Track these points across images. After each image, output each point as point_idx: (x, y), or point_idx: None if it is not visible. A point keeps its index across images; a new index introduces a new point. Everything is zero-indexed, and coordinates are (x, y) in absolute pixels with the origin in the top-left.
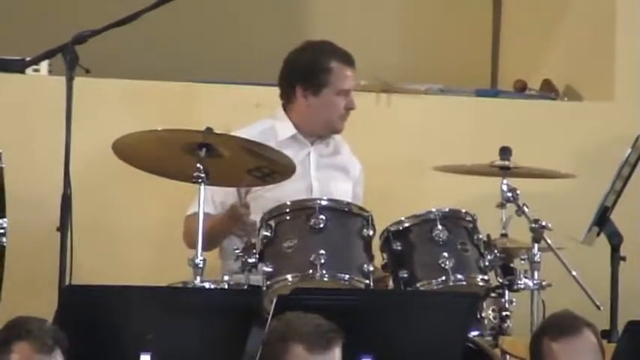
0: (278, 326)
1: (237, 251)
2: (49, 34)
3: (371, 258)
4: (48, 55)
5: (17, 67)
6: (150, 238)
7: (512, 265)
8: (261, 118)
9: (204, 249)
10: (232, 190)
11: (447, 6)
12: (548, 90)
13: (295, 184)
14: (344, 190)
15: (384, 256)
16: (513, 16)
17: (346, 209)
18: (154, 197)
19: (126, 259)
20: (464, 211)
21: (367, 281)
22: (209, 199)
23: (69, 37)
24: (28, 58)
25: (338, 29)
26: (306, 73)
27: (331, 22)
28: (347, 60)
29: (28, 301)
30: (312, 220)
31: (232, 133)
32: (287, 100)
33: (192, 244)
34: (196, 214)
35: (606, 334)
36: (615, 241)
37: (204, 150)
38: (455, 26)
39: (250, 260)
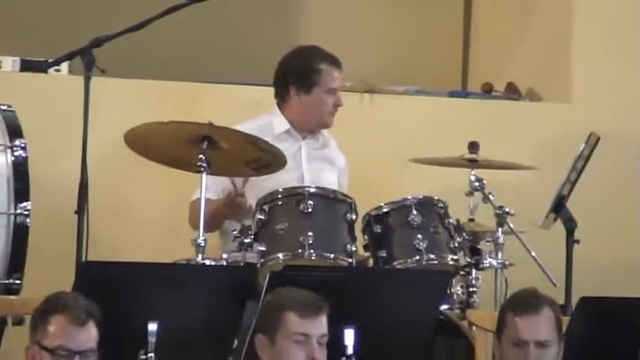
0: (273, 299)
1: (234, 232)
2: (69, 38)
3: (354, 239)
4: (68, 57)
5: (41, 67)
6: (158, 220)
7: (478, 246)
8: (260, 115)
9: (206, 231)
10: (227, 182)
11: (423, 17)
12: (511, 92)
13: (289, 174)
14: (331, 180)
15: (365, 237)
16: (481, 26)
17: (332, 196)
18: (161, 185)
19: (136, 240)
20: (436, 198)
21: (350, 260)
22: (211, 187)
23: (87, 41)
24: (50, 60)
25: (326, 37)
26: (299, 75)
27: (320, 30)
28: (334, 62)
29: (48, 275)
30: (302, 205)
31: (235, 127)
32: (281, 98)
33: (196, 227)
34: (199, 200)
35: (561, 309)
36: (570, 226)
37: (206, 142)
38: (430, 35)
39: (246, 240)
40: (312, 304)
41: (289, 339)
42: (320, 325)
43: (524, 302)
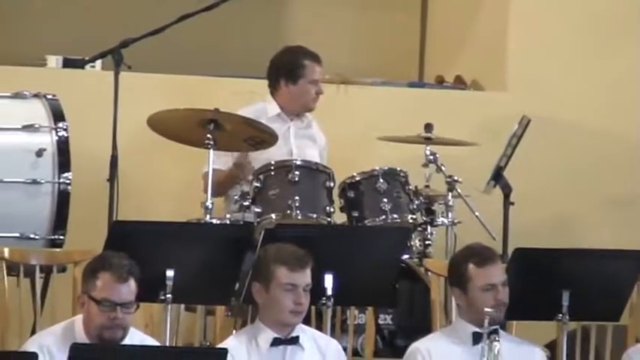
0: (267, 254)
1: (235, 197)
2: (102, 39)
3: (332, 202)
4: (101, 55)
5: (79, 64)
6: (174, 188)
7: (432, 208)
8: (255, 101)
9: (214, 195)
10: (236, 154)
11: (387, 22)
12: (459, 83)
13: (280, 150)
14: (314, 154)
15: (341, 201)
16: (434, 29)
17: (314, 167)
18: (177, 159)
19: (156, 203)
20: (398, 169)
21: (329, 219)
22: (221, 159)
23: (116, 42)
24: (86, 58)
25: (308, 38)
26: (287, 69)
27: (303, 32)
28: (316, 59)
29: (86, 232)
30: (290, 175)
31: (236, 112)
32: (273, 88)
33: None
34: (210, 172)
35: (501, 258)
36: (506, 191)
37: (212, 124)
38: (392, 36)
39: (245, 204)
40: (300, 260)
41: (280, 288)
42: (305, 277)
43: (484, 254)
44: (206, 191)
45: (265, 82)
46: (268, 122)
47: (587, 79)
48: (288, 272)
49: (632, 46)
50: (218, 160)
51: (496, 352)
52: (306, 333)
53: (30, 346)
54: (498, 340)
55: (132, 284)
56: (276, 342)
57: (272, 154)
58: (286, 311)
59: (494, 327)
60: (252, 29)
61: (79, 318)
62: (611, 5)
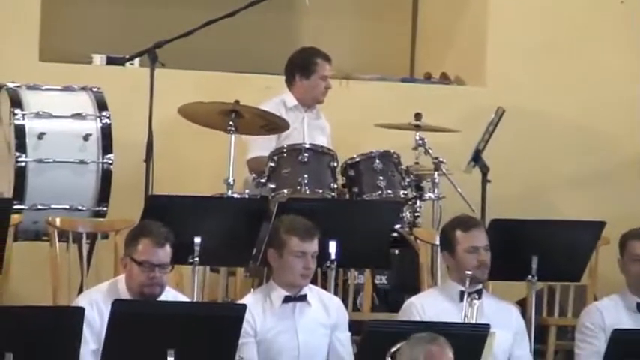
0: (281, 225)
1: (253, 175)
2: (140, 40)
3: (335, 180)
4: (139, 54)
5: (120, 62)
6: (201, 166)
7: (421, 184)
8: (273, 96)
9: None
10: (274, 137)
11: (383, 26)
12: (444, 78)
13: (296, 135)
14: (322, 140)
15: (343, 178)
16: (423, 32)
17: (320, 150)
18: (204, 142)
19: (186, 180)
20: (392, 151)
21: (333, 194)
22: (264, 145)
23: (152, 43)
24: (126, 57)
25: (318, 39)
26: (302, 66)
27: (313, 35)
28: (326, 58)
29: (126, 204)
30: (300, 157)
31: (255, 103)
32: (289, 83)
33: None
34: (254, 158)
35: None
36: (484, 170)
37: (233, 114)
38: (387, 39)
39: (262, 181)
40: (309, 231)
41: (292, 255)
42: (313, 245)
43: (469, 222)
44: (253, 174)
45: (279, 78)
46: (287, 112)
47: (554, 75)
48: (299, 242)
49: (596, 45)
50: (260, 147)
51: (475, 309)
52: (312, 291)
53: (81, 300)
54: (477, 298)
55: (168, 248)
56: (287, 299)
57: (289, 140)
58: (297, 274)
59: (479, 287)
60: (268, 32)
61: (121, 277)
62: (578, 10)
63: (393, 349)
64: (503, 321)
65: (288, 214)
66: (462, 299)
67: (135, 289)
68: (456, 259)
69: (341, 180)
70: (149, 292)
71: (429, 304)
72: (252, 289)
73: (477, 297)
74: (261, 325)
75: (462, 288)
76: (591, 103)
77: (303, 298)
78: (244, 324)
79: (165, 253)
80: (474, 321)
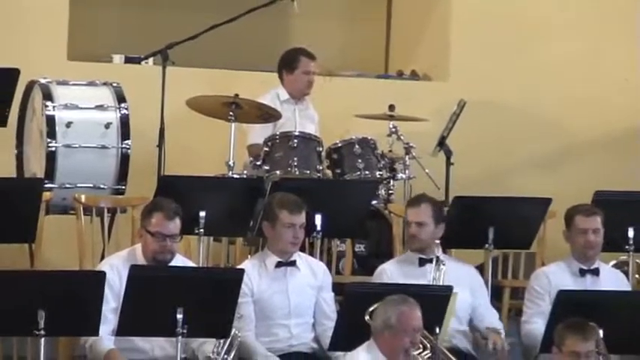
0: (274, 200)
1: (250, 159)
2: (153, 41)
3: (321, 162)
4: (152, 54)
5: (136, 61)
6: (206, 151)
7: (394, 166)
8: (269, 90)
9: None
10: (271, 125)
11: (360, 29)
12: (414, 75)
13: (289, 124)
14: (311, 128)
15: (328, 161)
16: (396, 34)
17: (308, 137)
18: (208, 130)
19: (193, 162)
20: (370, 138)
21: (319, 174)
22: (258, 133)
23: (164, 44)
24: (142, 56)
25: (305, 40)
26: (287, 63)
27: (302, 36)
28: (309, 55)
29: (141, 183)
30: (290, 142)
31: (252, 96)
32: (281, 79)
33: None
34: (254, 145)
35: (442, 203)
36: (448, 154)
37: (234, 105)
38: (365, 40)
39: (258, 163)
40: (298, 206)
41: (283, 226)
42: (301, 218)
43: (412, 200)
44: (251, 157)
45: (272, 74)
46: (281, 104)
47: (509, 71)
48: (288, 214)
49: (549, 42)
50: (259, 135)
51: (442, 272)
52: (301, 258)
53: (103, 266)
54: (445, 264)
55: (177, 221)
56: (279, 264)
57: (283, 128)
58: (287, 243)
59: (438, 255)
60: (264, 35)
61: (138, 246)
62: (535, 9)
63: (370, 308)
64: (462, 279)
65: (281, 191)
66: (420, 264)
67: (149, 256)
68: (409, 231)
69: (326, 162)
70: (161, 258)
71: (396, 270)
72: (249, 256)
73: (443, 263)
74: (257, 287)
75: (421, 255)
76: (541, 95)
77: (293, 263)
78: (243, 286)
79: (175, 225)
80: (441, 283)
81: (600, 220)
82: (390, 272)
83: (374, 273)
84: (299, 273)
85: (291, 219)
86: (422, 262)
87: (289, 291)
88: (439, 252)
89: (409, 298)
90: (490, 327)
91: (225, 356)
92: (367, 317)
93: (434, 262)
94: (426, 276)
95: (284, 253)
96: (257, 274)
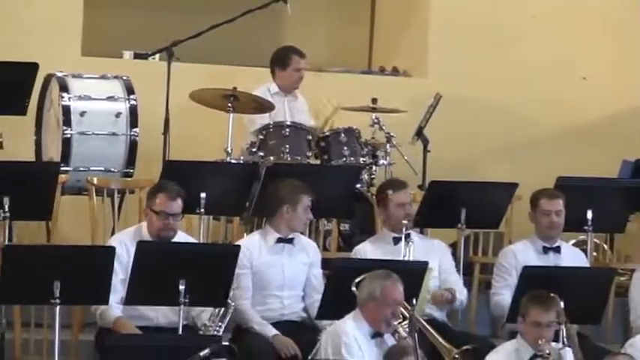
0: (297, 186)
1: (247, 146)
2: (159, 39)
3: (311, 149)
4: (159, 51)
5: (144, 57)
6: (207, 138)
7: (376, 153)
8: (262, 84)
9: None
10: (266, 115)
11: (347, 30)
12: (395, 71)
13: (281, 115)
14: (301, 118)
15: (316, 149)
16: (379, 34)
17: (299, 126)
18: (209, 120)
19: (195, 149)
20: (354, 127)
21: (308, 160)
22: (256, 123)
23: (169, 41)
24: (149, 52)
25: (296, 41)
26: (280, 61)
27: (293, 37)
28: (300, 54)
29: (148, 167)
30: (283, 131)
31: (249, 90)
32: (273, 74)
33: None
34: (249, 134)
35: (420, 187)
36: (425, 142)
37: (232, 97)
38: (350, 39)
39: (253, 150)
40: (311, 192)
41: (304, 209)
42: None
43: (395, 183)
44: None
45: (267, 71)
46: (272, 97)
47: (483, 69)
48: (307, 198)
49: (518, 44)
50: (254, 125)
51: (411, 248)
52: (297, 237)
53: (112, 241)
54: (413, 242)
55: (179, 202)
56: (279, 240)
57: (276, 118)
58: (302, 223)
59: (408, 232)
60: (259, 34)
61: (144, 224)
62: (506, 14)
63: (357, 280)
64: (432, 253)
65: (274, 176)
66: (395, 243)
67: (154, 233)
68: (388, 213)
69: (314, 149)
70: (164, 235)
71: (371, 249)
72: (244, 234)
73: (411, 241)
74: (257, 260)
75: (394, 234)
76: (510, 91)
77: (290, 240)
78: (244, 258)
79: (178, 205)
80: (411, 258)
81: (562, 203)
82: (364, 251)
83: (352, 251)
84: (294, 250)
85: (309, 202)
86: (396, 241)
87: (284, 266)
88: (408, 230)
89: (392, 274)
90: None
91: (219, 324)
92: (354, 288)
93: (402, 239)
94: (400, 253)
95: (295, 231)
96: (257, 249)
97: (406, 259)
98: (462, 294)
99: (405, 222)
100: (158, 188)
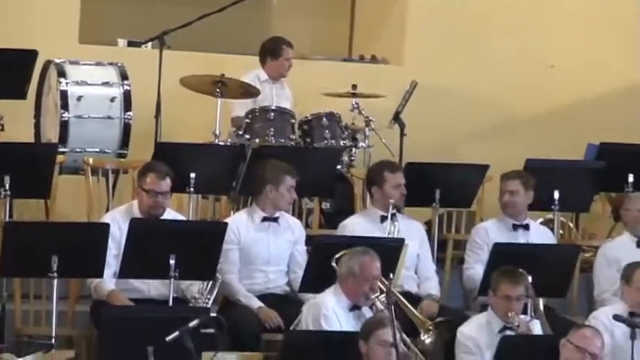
0: (281, 167)
1: (234, 129)
2: (152, 27)
3: (294, 132)
4: (151, 40)
5: (137, 44)
6: (196, 121)
7: (356, 136)
8: (250, 71)
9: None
10: (250, 101)
11: (329, 23)
12: (374, 59)
13: (268, 101)
14: (285, 104)
15: (299, 132)
16: (358, 25)
17: (283, 110)
18: (199, 104)
19: (184, 131)
20: (335, 112)
21: (292, 142)
22: (241, 107)
23: (161, 31)
24: (142, 40)
25: (282, 31)
26: (272, 51)
27: (279, 28)
28: (289, 44)
29: (141, 149)
30: (268, 115)
31: (238, 77)
32: (262, 62)
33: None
34: (236, 117)
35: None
36: (402, 126)
37: (220, 83)
38: (332, 31)
39: (240, 133)
40: (295, 172)
41: (287, 188)
42: (295, 181)
43: (394, 165)
44: (234, 128)
45: (254, 58)
46: (261, 83)
47: (457, 58)
48: (291, 178)
49: (490, 36)
50: (239, 109)
51: (397, 226)
52: (282, 216)
53: (106, 217)
54: (398, 221)
55: (168, 181)
56: (264, 219)
57: (262, 104)
58: (286, 203)
59: (394, 212)
60: (246, 24)
61: (135, 202)
62: (480, 7)
63: (337, 255)
64: (412, 234)
65: (260, 157)
66: (381, 221)
67: (144, 210)
68: (384, 192)
69: (298, 132)
70: (154, 212)
71: (358, 224)
72: (232, 212)
73: (397, 220)
74: (244, 237)
75: (383, 213)
76: (481, 78)
77: (276, 219)
78: (232, 235)
79: (166, 184)
80: (395, 235)
81: (520, 183)
82: (352, 227)
83: (338, 226)
84: (279, 228)
85: (293, 182)
86: (382, 219)
87: (270, 243)
88: (394, 210)
89: (370, 250)
90: (427, 293)
91: (208, 296)
92: (334, 264)
93: (389, 218)
94: (385, 230)
95: (279, 210)
96: (245, 226)
97: (391, 236)
98: (435, 287)
99: (391, 201)
100: (148, 168)
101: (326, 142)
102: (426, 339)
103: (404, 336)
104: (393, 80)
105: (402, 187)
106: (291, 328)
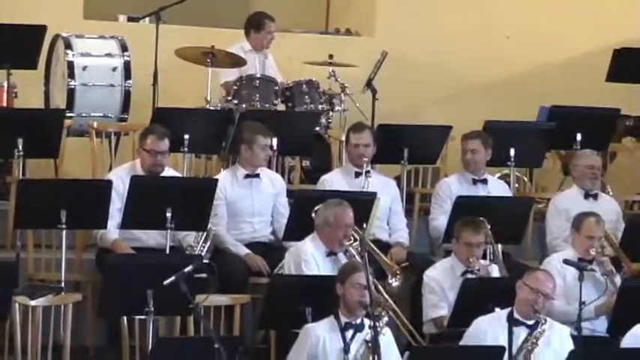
0: (251, 127)
1: (223, 95)
2: (149, 4)
3: (277, 97)
4: (148, 15)
5: (136, 20)
6: (191, 87)
7: (333, 101)
8: (235, 43)
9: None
10: (237, 70)
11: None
12: (348, 32)
13: (253, 70)
14: (270, 73)
15: (282, 97)
16: (335, 3)
17: (267, 78)
18: (192, 72)
19: (179, 97)
20: (314, 79)
21: (275, 107)
22: (229, 73)
23: (158, 7)
24: (140, 16)
25: (266, 5)
26: (255, 25)
27: (265, 1)
28: (272, 19)
29: (140, 114)
30: (253, 83)
31: (228, 49)
32: (247, 34)
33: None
34: (225, 82)
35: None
36: (374, 92)
37: (210, 54)
38: (309, 2)
39: (229, 98)
40: (268, 132)
41: (259, 147)
42: (270, 140)
43: (357, 126)
44: (223, 93)
45: (240, 32)
46: (246, 54)
47: (423, 30)
48: (263, 138)
49: (454, 11)
50: (228, 75)
51: (370, 182)
52: (263, 171)
53: (110, 175)
54: (371, 177)
55: (166, 142)
56: (247, 176)
57: (248, 72)
58: (261, 159)
59: (368, 169)
60: (235, 1)
61: (137, 161)
62: None
63: (316, 208)
64: (385, 190)
65: (246, 120)
66: (356, 177)
67: (145, 168)
68: (348, 151)
69: (281, 98)
70: (154, 170)
71: (335, 180)
72: (222, 170)
73: (370, 176)
74: (230, 193)
75: (357, 169)
76: (445, 48)
77: (257, 175)
78: (218, 192)
79: (165, 144)
80: (368, 190)
81: (480, 142)
82: (330, 182)
83: (318, 181)
84: (262, 183)
85: (266, 141)
86: (357, 175)
87: (254, 196)
88: (368, 167)
89: (344, 201)
90: (397, 241)
91: (203, 245)
92: (313, 214)
93: (363, 174)
94: (359, 185)
95: (255, 166)
96: (230, 183)
97: (364, 190)
98: (404, 237)
99: (359, 161)
100: (148, 131)
101: (306, 106)
102: (393, 282)
103: (375, 280)
104: (365, 51)
105: (360, 147)
106: (275, 272)
